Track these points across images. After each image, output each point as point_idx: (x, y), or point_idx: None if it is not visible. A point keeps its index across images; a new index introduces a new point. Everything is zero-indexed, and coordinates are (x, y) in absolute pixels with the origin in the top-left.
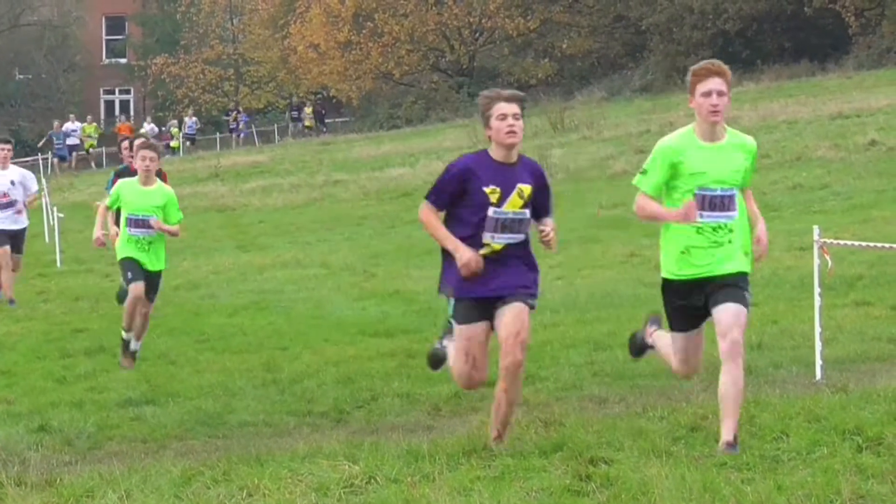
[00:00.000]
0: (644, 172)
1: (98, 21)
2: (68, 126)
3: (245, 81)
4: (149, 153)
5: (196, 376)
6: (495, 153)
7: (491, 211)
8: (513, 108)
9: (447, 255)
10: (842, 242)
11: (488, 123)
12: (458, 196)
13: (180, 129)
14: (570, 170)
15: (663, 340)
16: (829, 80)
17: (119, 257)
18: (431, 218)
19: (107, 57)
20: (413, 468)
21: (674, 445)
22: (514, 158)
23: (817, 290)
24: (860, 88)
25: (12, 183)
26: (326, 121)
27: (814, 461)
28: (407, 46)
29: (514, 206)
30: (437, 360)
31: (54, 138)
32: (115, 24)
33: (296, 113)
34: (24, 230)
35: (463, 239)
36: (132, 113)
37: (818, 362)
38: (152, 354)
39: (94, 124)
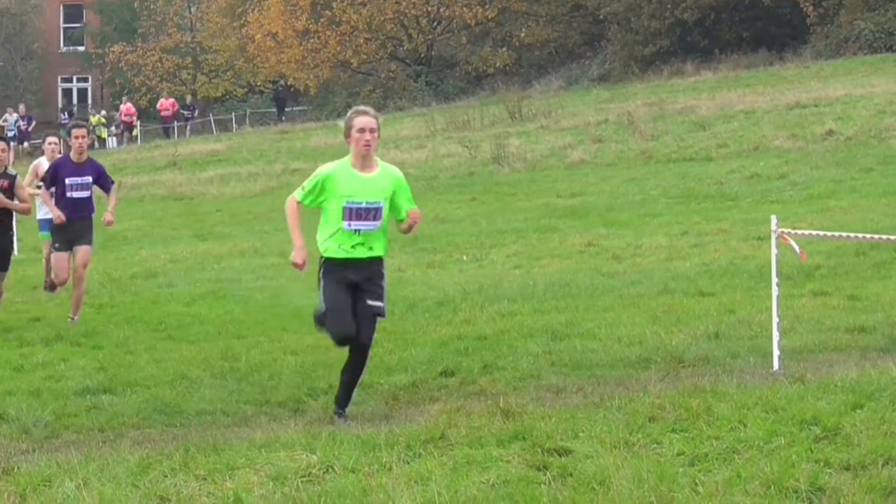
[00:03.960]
0: None
1: (56, 9)
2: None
3: (203, 70)
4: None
5: (153, 365)
6: None
7: None
8: None
9: None
10: (799, 232)
11: None
12: None
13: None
14: (528, 159)
15: None
16: (787, 70)
17: None
18: None
19: (64, 45)
20: (370, 458)
21: (631, 435)
22: None
23: (775, 279)
24: (818, 78)
25: None
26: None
27: (771, 451)
28: (365, 35)
29: None
30: None
31: None
32: (73, 12)
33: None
34: None
35: None
36: (90, 101)
37: (776, 352)
38: (109, 343)
39: None
